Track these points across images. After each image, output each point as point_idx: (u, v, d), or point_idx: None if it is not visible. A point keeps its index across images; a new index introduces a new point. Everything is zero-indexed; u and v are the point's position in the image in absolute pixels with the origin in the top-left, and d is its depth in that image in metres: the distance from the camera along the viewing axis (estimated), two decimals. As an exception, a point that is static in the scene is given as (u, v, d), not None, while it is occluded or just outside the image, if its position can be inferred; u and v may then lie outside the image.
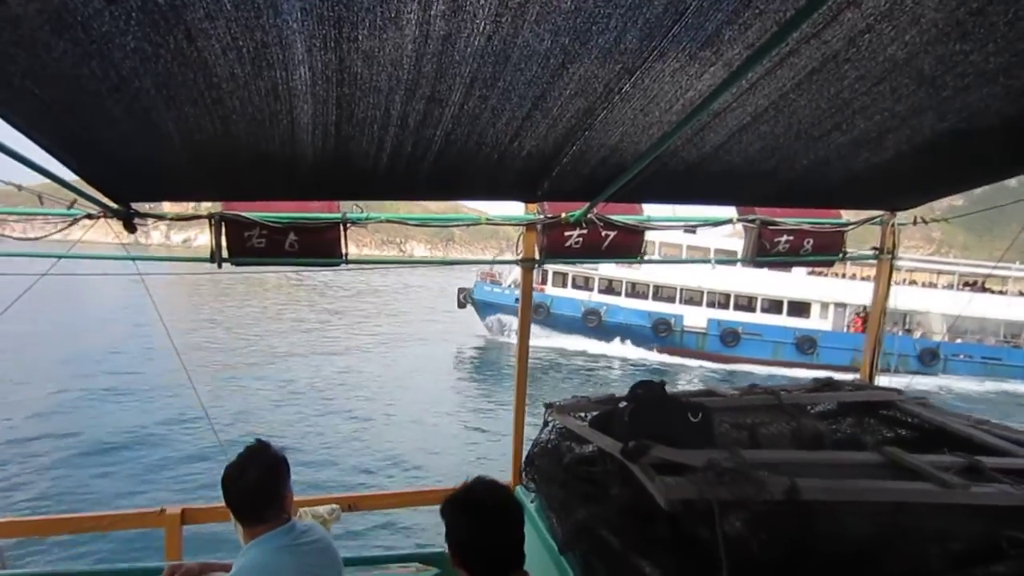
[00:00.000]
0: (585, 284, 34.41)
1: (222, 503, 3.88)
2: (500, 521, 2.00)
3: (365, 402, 20.69)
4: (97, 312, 36.74)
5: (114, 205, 3.34)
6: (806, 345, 31.79)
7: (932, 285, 35.19)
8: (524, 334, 4.29)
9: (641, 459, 2.15)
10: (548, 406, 3.23)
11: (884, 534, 2.01)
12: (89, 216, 3.45)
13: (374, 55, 1.98)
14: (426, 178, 3.20)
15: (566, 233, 3.99)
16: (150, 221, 3.57)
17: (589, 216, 3.90)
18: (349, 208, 3.79)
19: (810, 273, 33.08)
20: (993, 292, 34.38)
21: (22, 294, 3.55)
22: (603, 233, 4.01)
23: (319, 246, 3.75)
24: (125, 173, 3.03)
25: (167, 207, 3.93)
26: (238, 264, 3.76)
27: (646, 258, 4.16)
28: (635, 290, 34.11)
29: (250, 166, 2.93)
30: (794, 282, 32.40)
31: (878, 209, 4.19)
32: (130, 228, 3.50)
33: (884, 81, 2.26)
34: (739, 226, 4.27)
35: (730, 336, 32.18)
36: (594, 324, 33.11)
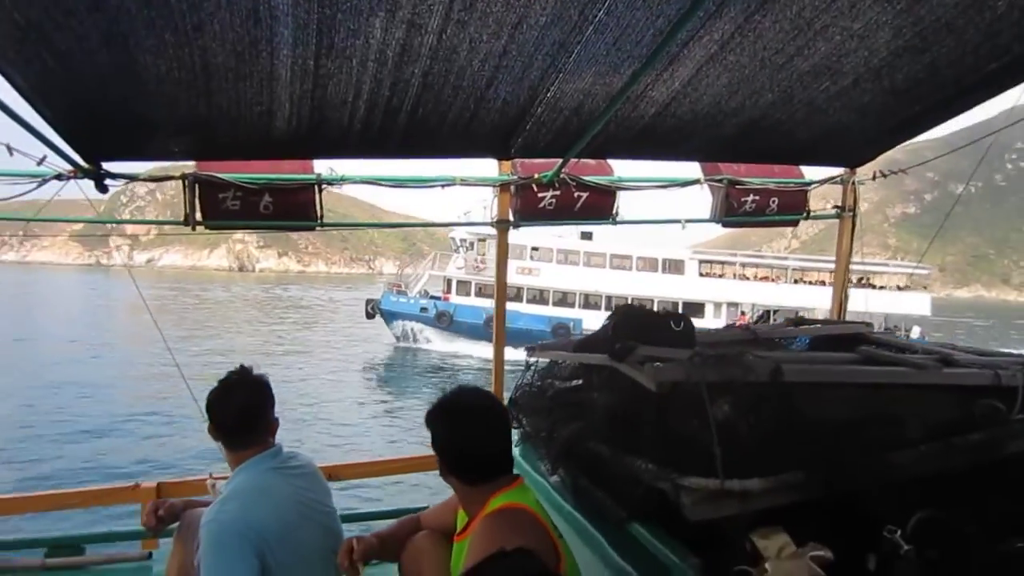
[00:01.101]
0: (488, 291, 35.74)
1: (197, 476, 3.82)
2: (488, 423, 2.03)
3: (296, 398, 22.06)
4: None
5: (84, 164, 3.30)
6: None
7: (822, 283, 36.72)
8: (501, 296, 4.32)
9: (628, 358, 2.19)
10: (530, 349, 3.26)
11: (865, 413, 2.08)
12: (59, 177, 3.39)
13: None
14: (401, 134, 3.23)
15: (539, 195, 4.05)
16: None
17: (562, 176, 3.97)
18: (323, 170, 3.80)
19: (703, 275, 35.55)
20: (875, 288, 36.11)
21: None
22: (575, 194, 4.09)
23: (294, 208, 3.75)
24: (98, 125, 2.99)
25: (138, 169, 3.88)
26: (212, 228, 3.74)
27: (619, 219, 4.23)
28: (539, 296, 35.95)
29: (226, 116, 2.93)
30: (689, 284, 34.70)
31: (839, 164, 4.34)
32: (101, 188, 3.45)
33: None
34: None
35: None
36: None
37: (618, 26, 2.48)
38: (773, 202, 4.38)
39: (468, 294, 36.13)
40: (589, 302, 35.25)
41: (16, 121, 2.58)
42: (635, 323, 2.49)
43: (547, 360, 3.23)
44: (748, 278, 36.52)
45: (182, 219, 3.65)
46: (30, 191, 3.39)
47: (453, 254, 38.05)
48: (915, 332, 34.59)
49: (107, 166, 3.39)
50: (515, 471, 2.12)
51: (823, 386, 2.16)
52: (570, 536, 2.18)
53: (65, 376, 23.42)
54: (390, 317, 36.45)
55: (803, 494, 1.95)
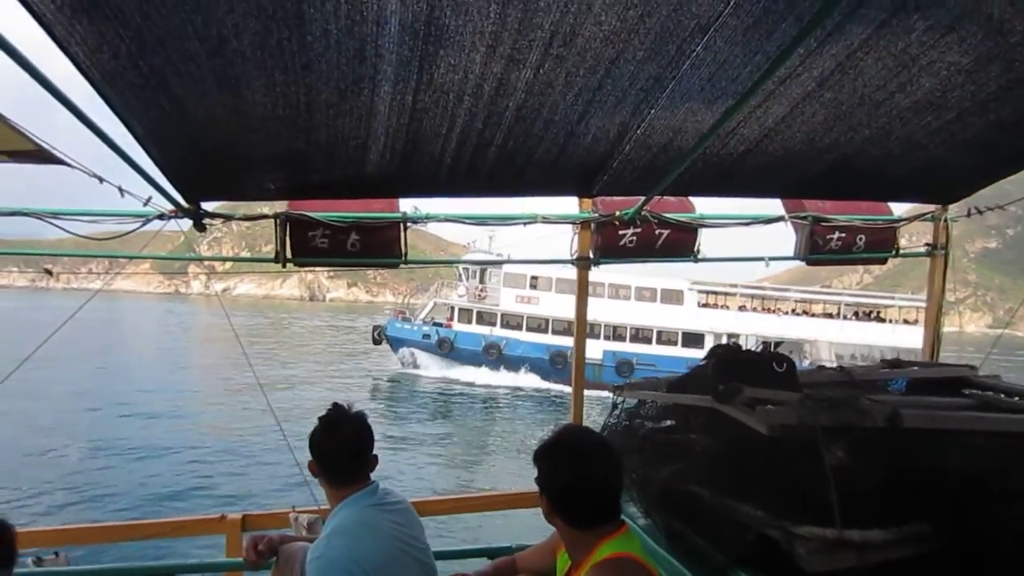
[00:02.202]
0: (488, 319, 37.02)
1: (281, 509, 3.87)
2: (599, 465, 1.96)
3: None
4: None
5: (185, 204, 3.45)
6: None
7: (829, 315, 37.00)
8: (580, 332, 4.30)
9: (735, 400, 2.14)
10: (617, 388, 3.23)
11: (986, 462, 1.97)
12: (161, 216, 3.55)
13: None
14: (488, 170, 3.28)
15: (620, 232, 4.04)
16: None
17: (643, 213, 3.95)
18: (408, 208, 3.88)
19: (702, 305, 35.63)
20: (880, 320, 36.23)
21: (86, 302, 3.64)
22: (657, 231, 4.06)
23: (379, 245, 3.83)
24: (200, 166, 3.14)
25: (233, 208, 4.03)
26: (301, 265, 3.84)
27: (700, 257, 4.18)
28: (539, 326, 36.49)
29: (323, 150, 3.02)
30: (688, 314, 34.77)
31: (932, 201, 4.21)
32: (199, 227, 3.61)
33: (952, 31, 2.32)
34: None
35: (625, 367, 33.85)
36: (494, 356, 35.59)
37: (715, 61, 2.48)
38: (860, 239, 4.26)
39: (470, 321, 37.02)
40: (588, 331, 35.22)
41: (129, 164, 2.74)
42: (736, 364, 2.43)
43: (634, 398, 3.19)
44: (747, 309, 36.60)
45: (272, 256, 3.75)
46: (135, 229, 3.56)
47: (457, 282, 38.86)
48: None
49: (205, 205, 3.55)
50: None
51: (940, 433, 2.06)
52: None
53: (149, 404, 24.16)
54: (396, 343, 37.63)
55: (927, 547, 1.86)
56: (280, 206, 3.73)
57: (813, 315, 36.61)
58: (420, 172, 3.27)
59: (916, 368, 3.30)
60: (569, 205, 4.06)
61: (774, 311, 36.22)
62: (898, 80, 2.60)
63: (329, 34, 2.16)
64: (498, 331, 36.57)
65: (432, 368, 36.13)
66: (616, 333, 35.50)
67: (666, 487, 2.46)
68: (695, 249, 4.18)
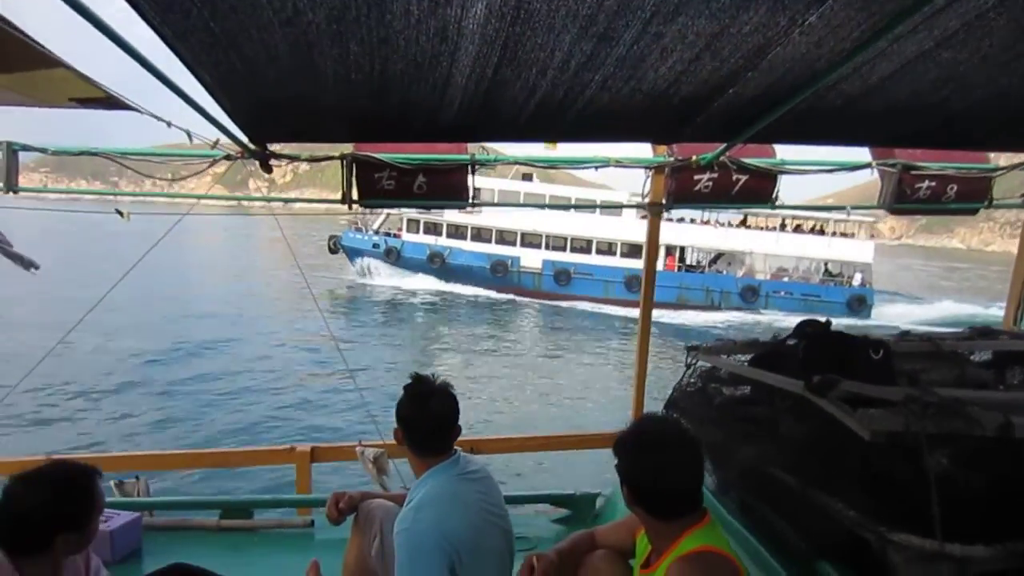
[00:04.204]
0: (435, 229, 37.40)
1: (347, 442, 3.97)
2: (681, 458, 1.92)
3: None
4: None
5: (252, 146, 3.40)
6: (634, 284, 32.87)
7: (768, 228, 36.52)
8: (649, 278, 4.19)
9: (830, 394, 2.06)
10: (691, 348, 3.16)
11: None
12: (228, 157, 3.51)
13: None
14: (564, 124, 3.14)
15: (695, 177, 3.86)
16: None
17: (721, 159, 3.76)
18: (476, 149, 3.76)
19: (643, 217, 33.03)
20: (820, 234, 35.73)
21: (167, 232, 3.66)
22: (734, 177, 3.88)
23: (446, 188, 3.74)
24: (269, 114, 3.06)
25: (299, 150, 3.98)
26: (367, 207, 3.79)
27: (778, 204, 4.00)
28: (480, 235, 36.83)
29: (395, 110, 2.92)
30: (629, 226, 34.43)
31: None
32: (266, 168, 3.56)
33: None
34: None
35: (563, 276, 34.82)
36: (438, 265, 36.26)
37: (827, 27, 2.26)
38: (951, 189, 4.01)
39: (418, 231, 37.56)
40: (528, 241, 36.15)
41: (196, 110, 2.70)
42: (829, 349, 2.33)
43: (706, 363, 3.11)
44: (686, 221, 36.34)
45: (339, 197, 3.71)
46: (203, 170, 3.53)
47: None
48: (856, 279, 34.66)
49: (272, 147, 3.49)
50: None
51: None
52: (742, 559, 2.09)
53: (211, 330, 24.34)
54: (351, 253, 38.36)
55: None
56: (346, 148, 3.66)
57: (749, 227, 36.31)
58: (495, 126, 3.15)
59: (1006, 337, 3.16)
60: (642, 148, 3.90)
61: (711, 223, 35.75)
62: (1032, 40, 2.34)
63: (410, 13, 2.02)
64: (443, 240, 37.12)
65: (382, 277, 36.97)
66: (556, 244, 36.02)
67: (747, 467, 2.43)
68: (773, 196, 3.99)
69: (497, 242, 36.74)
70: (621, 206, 34.68)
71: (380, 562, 2.52)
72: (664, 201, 3.97)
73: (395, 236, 37.90)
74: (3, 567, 1.85)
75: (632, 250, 34.79)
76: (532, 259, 35.81)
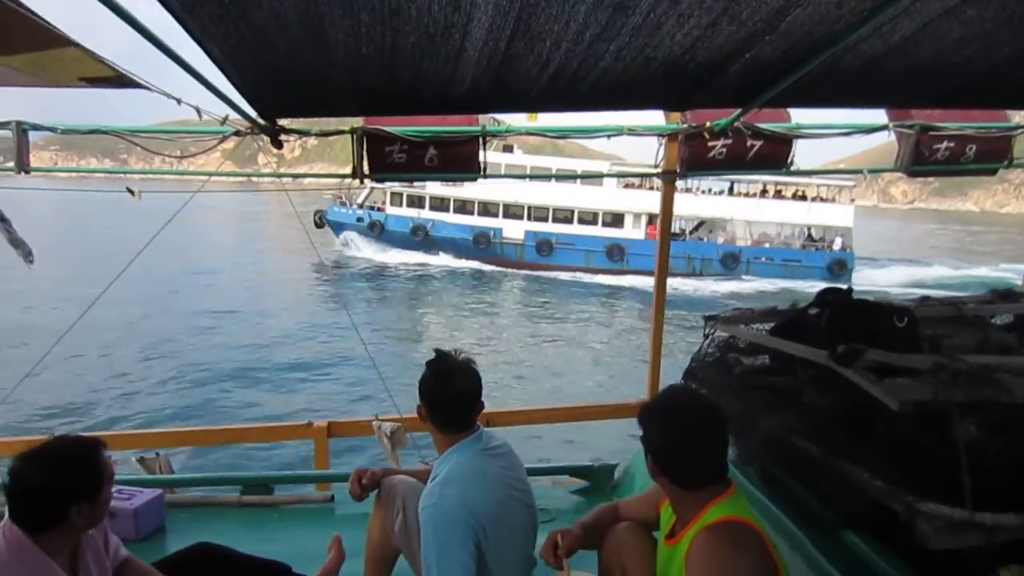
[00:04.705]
0: (418, 202, 37.50)
1: (364, 417, 3.98)
2: (706, 428, 1.91)
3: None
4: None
5: (262, 121, 3.36)
6: (615, 252, 34.22)
7: (746, 195, 36.40)
8: (664, 249, 4.15)
9: (856, 364, 2.04)
10: (709, 319, 3.13)
11: None
12: (238, 132, 3.48)
13: None
14: (577, 95, 3.08)
15: (709, 143, 3.80)
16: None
17: (735, 125, 3.70)
18: (487, 121, 3.71)
19: (625, 186, 35.50)
20: (802, 199, 35.57)
21: (179, 211, 3.64)
22: (749, 143, 3.81)
23: (458, 160, 3.71)
24: (278, 87, 3.02)
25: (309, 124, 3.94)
26: (379, 180, 3.77)
27: (794, 169, 3.94)
28: (464, 207, 36.94)
29: (406, 84, 2.87)
30: (609, 195, 34.85)
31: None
32: (276, 144, 3.52)
33: None
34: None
35: (544, 246, 34.97)
36: (421, 238, 36.49)
37: None
38: (970, 149, 3.93)
39: (401, 204, 37.70)
40: (510, 212, 36.20)
41: (205, 86, 2.66)
42: (853, 317, 2.30)
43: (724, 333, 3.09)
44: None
45: (350, 172, 3.68)
46: (213, 146, 3.50)
47: None
48: (836, 244, 34.43)
49: (281, 122, 3.45)
50: None
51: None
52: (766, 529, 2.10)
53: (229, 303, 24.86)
54: (336, 227, 38.58)
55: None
56: (356, 122, 3.62)
57: (734, 195, 36.25)
58: (507, 100, 3.11)
59: (1029, 301, 3.12)
60: (654, 115, 3.83)
61: (692, 191, 35.32)
62: (1062, -5, 2.27)
63: None
64: (426, 213, 37.31)
65: (366, 250, 37.09)
66: (539, 215, 36.10)
67: (769, 438, 2.42)
68: (788, 161, 3.93)
69: (480, 214, 36.84)
70: (629, 175, 34.33)
71: (403, 537, 2.53)
72: (678, 169, 3.92)
73: (379, 210, 38.11)
74: (24, 545, 1.87)
75: (615, 219, 35.05)
76: (514, 230, 35.96)
